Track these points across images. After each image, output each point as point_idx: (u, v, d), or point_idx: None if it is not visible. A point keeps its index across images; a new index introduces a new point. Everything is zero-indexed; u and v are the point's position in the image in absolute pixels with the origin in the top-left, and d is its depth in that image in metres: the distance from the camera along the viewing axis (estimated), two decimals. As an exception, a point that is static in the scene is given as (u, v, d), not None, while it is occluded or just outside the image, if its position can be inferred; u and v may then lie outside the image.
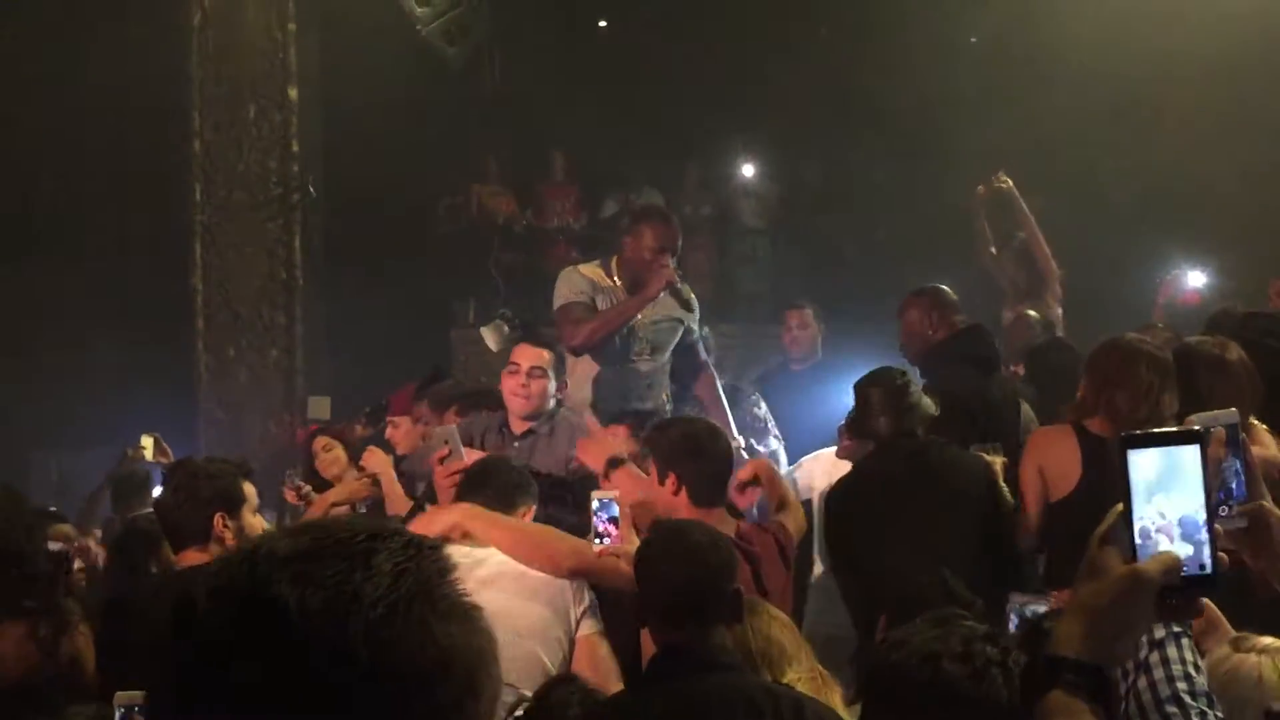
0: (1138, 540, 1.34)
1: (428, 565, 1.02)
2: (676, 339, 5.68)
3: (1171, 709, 1.93)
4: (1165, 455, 1.37)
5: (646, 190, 11.23)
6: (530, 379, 4.83)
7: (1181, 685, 1.94)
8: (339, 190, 8.98)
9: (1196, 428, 1.43)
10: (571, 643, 3.57)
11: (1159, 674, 1.96)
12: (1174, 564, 1.32)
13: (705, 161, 10.89)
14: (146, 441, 6.22)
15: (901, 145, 9.44)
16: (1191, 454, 1.37)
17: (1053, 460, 4.30)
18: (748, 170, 10.72)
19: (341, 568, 0.99)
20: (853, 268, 9.81)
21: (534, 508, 3.89)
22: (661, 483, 3.83)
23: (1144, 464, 1.37)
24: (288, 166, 8.37)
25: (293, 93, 8.35)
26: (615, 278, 5.55)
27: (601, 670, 3.48)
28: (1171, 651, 1.98)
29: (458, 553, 3.58)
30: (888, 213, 9.74)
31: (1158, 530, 1.35)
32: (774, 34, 10.20)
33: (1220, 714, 1.96)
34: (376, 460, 5.10)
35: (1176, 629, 2.00)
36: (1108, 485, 4.22)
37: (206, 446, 7.39)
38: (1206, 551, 1.34)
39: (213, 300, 8.22)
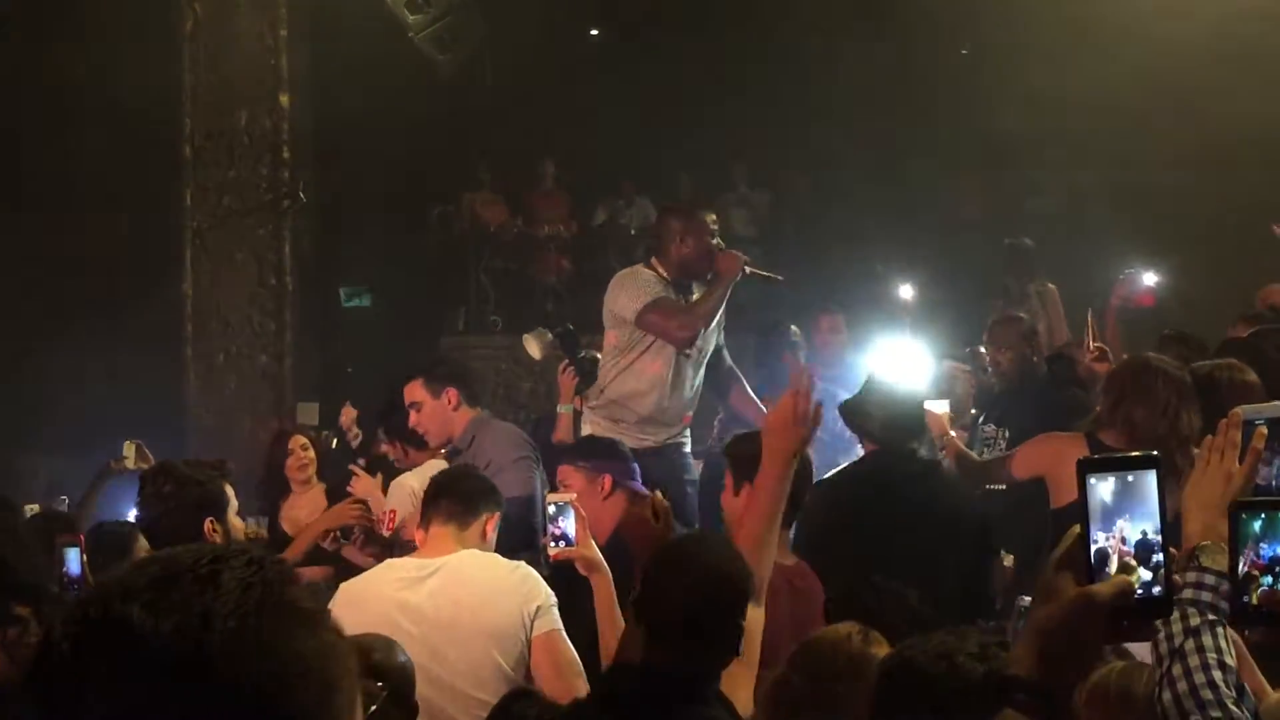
0: (1094, 563, 1.36)
1: (272, 577, 1.07)
2: (715, 340, 5.71)
3: (1207, 695, 1.91)
4: (1124, 480, 1.39)
5: (638, 199, 11.28)
6: (413, 414, 4.93)
7: (1216, 674, 1.92)
8: (329, 197, 8.99)
9: (1154, 453, 1.45)
10: (528, 643, 3.56)
11: (1194, 661, 1.94)
12: (1127, 587, 1.33)
13: (697, 169, 10.93)
14: (129, 449, 6.16)
15: (895, 149, 9.50)
16: (1149, 479, 1.40)
17: (1061, 467, 4.32)
18: (739, 178, 10.76)
19: (191, 590, 1.04)
20: (843, 275, 9.85)
21: (498, 515, 3.87)
22: (736, 494, 3.78)
23: (1103, 488, 1.39)
24: (278, 173, 8.38)
25: (284, 99, 8.37)
26: (666, 275, 5.60)
27: (564, 670, 3.47)
28: (1207, 640, 1.95)
29: (411, 564, 3.62)
30: (878, 220, 9.77)
31: (1115, 553, 1.37)
32: (766, 40, 10.25)
33: (1251, 708, 1.94)
34: (364, 485, 5.08)
35: (1212, 617, 1.97)
36: None
37: (195, 451, 7.37)
38: (1161, 575, 1.36)
39: (202, 305, 8.23)
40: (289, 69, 8.37)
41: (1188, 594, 1.99)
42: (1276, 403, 1.97)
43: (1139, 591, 1.35)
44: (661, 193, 10.43)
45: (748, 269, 5.55)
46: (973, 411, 6.20)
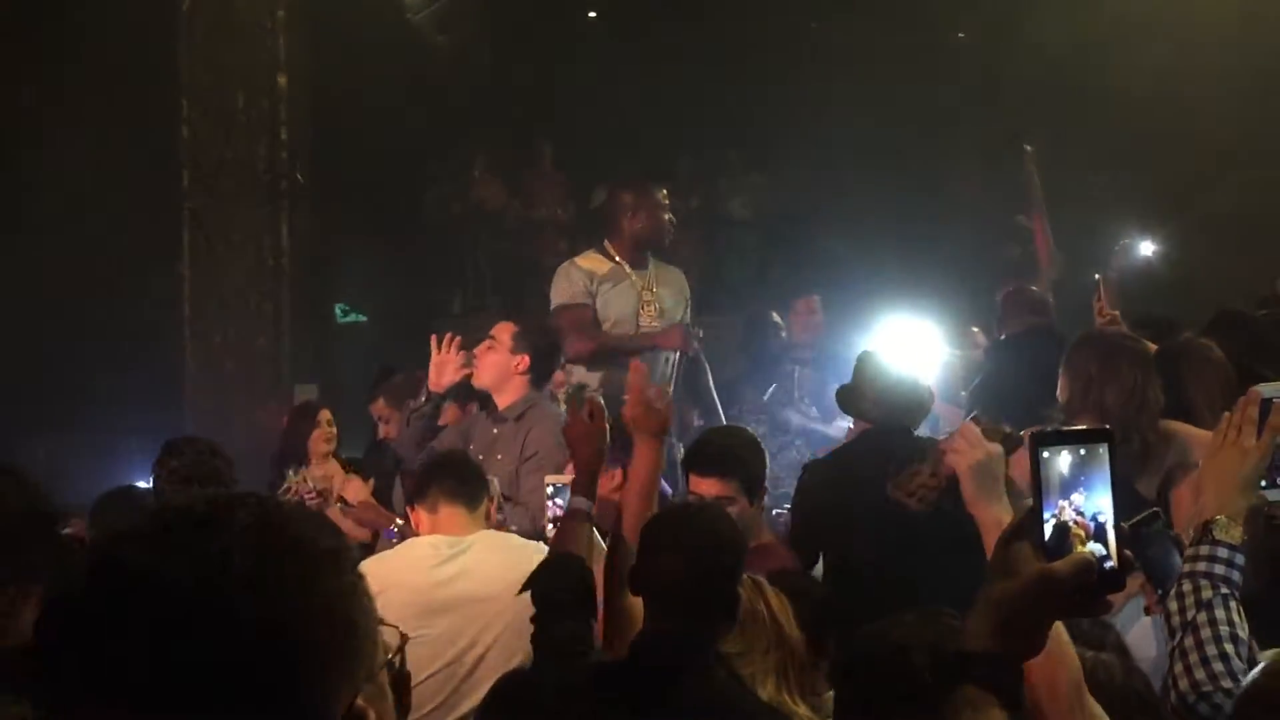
0: (1054, 538, 1.36)
1: (287, 516, 1.04)
2: (680, 316, 5.73)
3: (1218, 666, 1.94)
4: (1077, 453, 1.39)
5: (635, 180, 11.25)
6: (480, 347, 4.83)
7: (1228, 646, 1.95)
8: (327, 178, 8.98)
9: (1106, 426, 1.45)
10: None
11: (1206, 634, 1.97)
12: (1087, 564, 1.33)
13: (695, 152, 10.92)
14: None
15: (891, 135, 9.49)
16: (1101, 452, 1.40)
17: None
18: (736, 162, 10.75)
19: (206, 533, 1.00)
20: (841, 259, 9.86)
21: (494, 503, 3.90)
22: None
23: (1057, 462, 1.38)
24: (276, 154, 8.36)
25: (282, 80, 8.34)
26: (617, 256, 5.58)
27: None
28: (1220, 613, 1.99)
29: (441, 541, 3.64)
30: (877, 206, 9.78)
31: (1070, 525, 1.37)
32: (763, 27, 10.23)
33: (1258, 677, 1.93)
34: (354, 489, 5.14)
35: (1224, 590, 2.00)
36: None
37: (193, 432, 7.38)
38: (1114, 549, 1.36)
39: (199, 287, 8.22)
40: (286, 50, 8.34)
41: (1201, 566, 2.03)
42: None
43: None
44: (658, 175, 10.41)
45: (689, 351, 5.57)
46: (963, 394, 6.23)
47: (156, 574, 0.98)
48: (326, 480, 5.57)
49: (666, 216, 5.62)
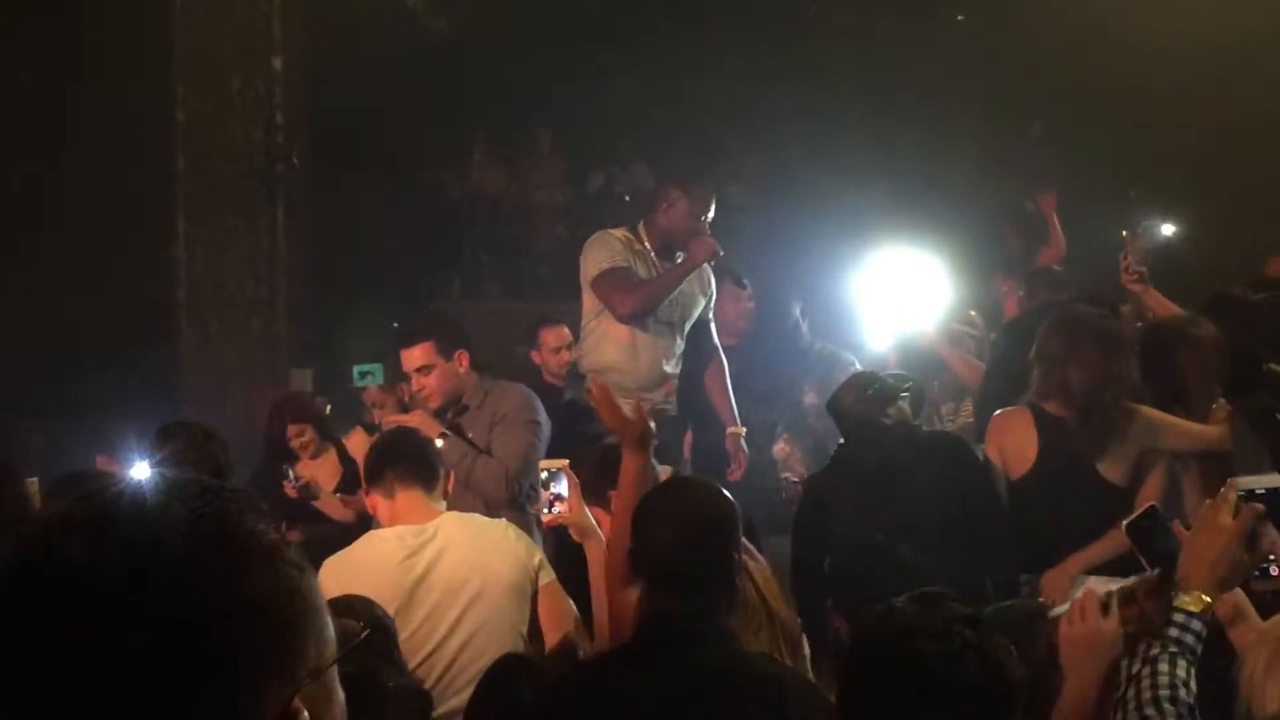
0: None
1: (228, 508, 1.00)
2: (699, 311, 5.67)
3: (1150, 711, 2.04)
4: None
5: (633, 165, 11.23)
6: (419, 377, 4.80)
7: (1164, 692, 2.05)
8: (323, 162, 8.94)
9: None
10: (535, 594, 3.60)
11: (1145, 683, 2.07)
12: None
13: (695, 137, 10.87)
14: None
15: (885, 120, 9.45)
16: None
17: (1010, 441, 4.35)
18: (734, 144, 10.70)
19: (138, 522, 0.97)
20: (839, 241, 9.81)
21: (452, 472, 3.95)
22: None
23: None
24: (271, 138, 8.31)
25: (277, 63, 8.29)
26: (646, 242, 5.53)
27: (564, 620, 3.55)
28: (1163, 667, 2.09)
29: (405, 532, 3.64)
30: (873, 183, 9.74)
31: None
32: (760, 5, 10.19)
33: None
34: (324, 472, 5.19)
35: (1173, 649, 2.10)
36: (1063, 465, 4.24)
37: (189, 418, 7.36)
38: None
39: (195, 271, 8.18)
40: (282, 33, 8.29)
41: (1156, 628, 2.15)
42: (1272, 475, 2.20)
43: None
44: (657, 159, 10.39)
45: (714, 261, 5.43)
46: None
47: (81, 569, 0.94)
48: (312, 473, 5.74)
49: (699, 224, 5.44)
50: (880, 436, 4.38)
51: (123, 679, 0.92)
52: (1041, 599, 3.91)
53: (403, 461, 3.72)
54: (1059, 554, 4.10)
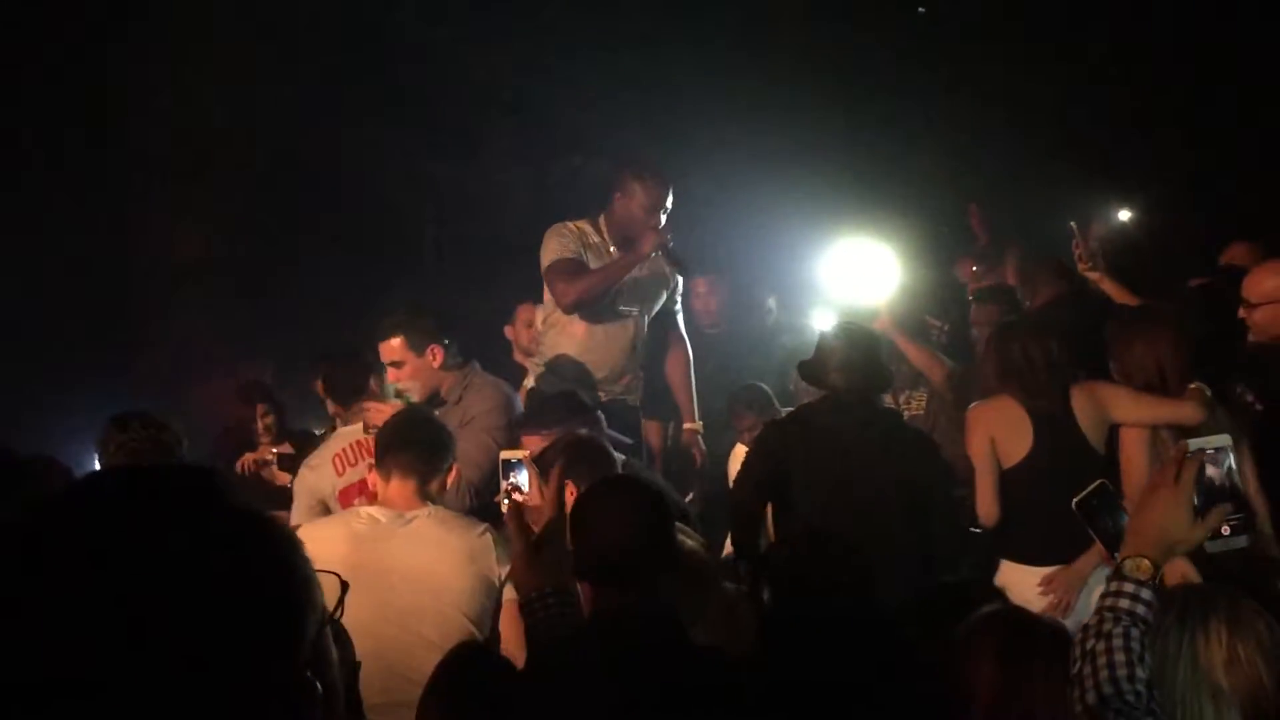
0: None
1: (217, 485, 1.02)
2: (662, 301, 5.63)
3: (1107, 690, 2.05)
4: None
5: (594, 158, 11.17)
6: (393, 371, 4.82)
7: (1122, 671, 2.06)
8: (293, 156, 8.88)
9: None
10: (498, 605, 3.59)
11: (1102, 660, 2.08)
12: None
13: (660, 130, 10.82)
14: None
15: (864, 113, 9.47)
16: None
17: (1003, 430, 4.43)
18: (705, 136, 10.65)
19: (112, 506, 0.97)
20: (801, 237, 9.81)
21: (456, 465, 3.88)
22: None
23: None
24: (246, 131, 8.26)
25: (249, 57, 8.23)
26: (605, 234, 5.48)
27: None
28: (1118, 643, 2.09)
29: (384, 514, 3.61)
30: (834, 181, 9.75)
31: None
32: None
33: (1157, 703, 2.08)
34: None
35: (1125, 622, 2.12)
36: (1057, 453, 4.37)
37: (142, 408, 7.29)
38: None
39: (148, 264, 8.11)
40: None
41: (1108, 601, 2.16)
42: (1221, 435, 2.26)
43: None
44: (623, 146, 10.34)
45: (660, 251, 5.31)
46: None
47: (60, 550, 0.94)
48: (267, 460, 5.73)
49: (654, 216, 5.32)
50: (848, 408, 4.44)
51: (123, 666, 0.92)
52: (1052, 597, 4.00)
53: (407, 450, 3.71)
54: (1064, 536, 4.12)
